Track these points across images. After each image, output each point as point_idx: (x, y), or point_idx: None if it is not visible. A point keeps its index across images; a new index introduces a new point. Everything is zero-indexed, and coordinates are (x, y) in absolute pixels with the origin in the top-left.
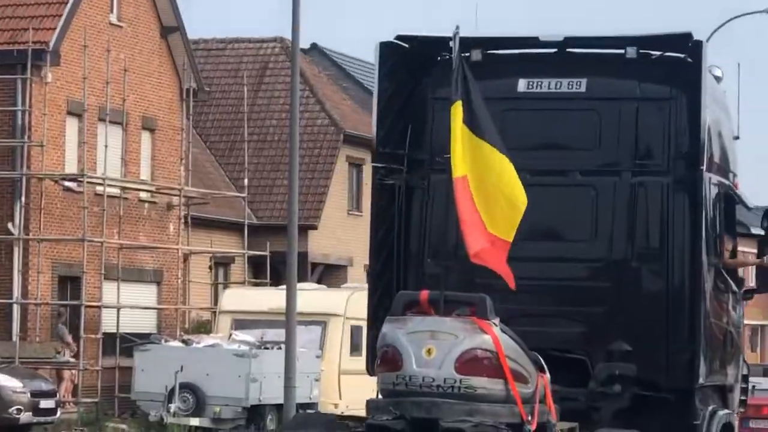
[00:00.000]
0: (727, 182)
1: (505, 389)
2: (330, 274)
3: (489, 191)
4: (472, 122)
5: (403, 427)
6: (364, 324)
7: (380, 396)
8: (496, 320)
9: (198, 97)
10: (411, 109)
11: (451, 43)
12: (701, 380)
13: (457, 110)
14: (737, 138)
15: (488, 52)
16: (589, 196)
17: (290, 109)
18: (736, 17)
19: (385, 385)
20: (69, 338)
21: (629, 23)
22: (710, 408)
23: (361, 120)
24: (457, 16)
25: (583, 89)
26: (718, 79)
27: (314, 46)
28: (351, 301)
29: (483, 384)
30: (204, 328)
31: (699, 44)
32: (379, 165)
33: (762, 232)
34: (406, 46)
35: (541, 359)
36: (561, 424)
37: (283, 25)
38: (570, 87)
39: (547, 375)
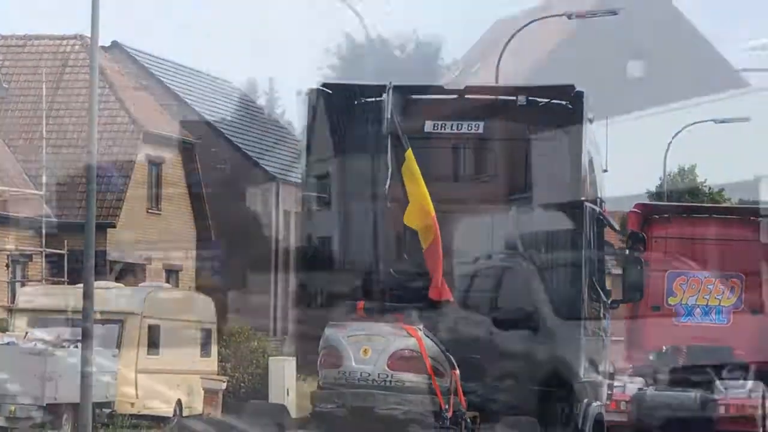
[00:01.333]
0: (598, 209)
1: (428, 383)
2: (128, 272)
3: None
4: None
5: (344, 414)
6: (161, 323)
7: (323, 389)
8: (421, 326)
9: None
10: (334, 145)
11: (383, 95)
12: (581, 377)
13: (411, 157)
14: (605, 171)
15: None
16: (486, 221)
17: (89, 107)
18: (535, 20)
19: (328, 379)
20: None
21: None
22: (586, 401)
23: (162, 118)
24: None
25: (481, 131)
26: (590, 120)
27: (115, 43)
28: (149, 299)
29: (410, 378)
30: (0, 326)
31: (580, 94)
32: (307, 193)
33: (627, 251)
34: (330, 92)
35: (453, 359)
36: (466, 413)
37: (84, 22)
38: (469, 128)
39: (458, 371)
